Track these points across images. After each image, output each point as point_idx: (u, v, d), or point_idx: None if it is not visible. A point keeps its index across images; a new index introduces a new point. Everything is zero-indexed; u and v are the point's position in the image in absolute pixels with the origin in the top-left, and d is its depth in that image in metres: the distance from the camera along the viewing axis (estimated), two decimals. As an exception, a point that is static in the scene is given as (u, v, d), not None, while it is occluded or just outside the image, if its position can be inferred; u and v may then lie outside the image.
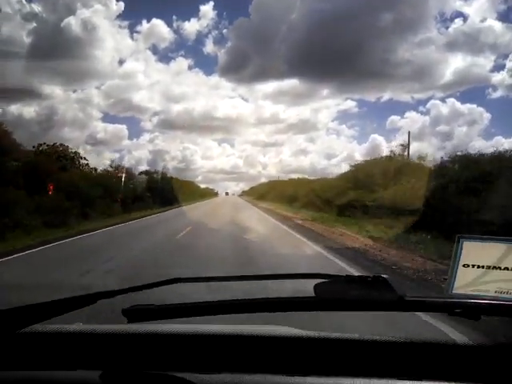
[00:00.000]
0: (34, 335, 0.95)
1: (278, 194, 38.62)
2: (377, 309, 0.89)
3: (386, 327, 2.68)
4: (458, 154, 12.74)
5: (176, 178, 41.04)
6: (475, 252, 0.98)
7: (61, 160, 21.18)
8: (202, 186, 74.43)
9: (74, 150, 23.56)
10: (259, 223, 16.27)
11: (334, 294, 0.83)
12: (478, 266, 0.97)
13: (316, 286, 0.84)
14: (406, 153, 20.68)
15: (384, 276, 0.83)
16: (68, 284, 4.92)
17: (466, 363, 0.87)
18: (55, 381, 0.85)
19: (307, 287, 0.89)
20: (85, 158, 23.88)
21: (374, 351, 0.91)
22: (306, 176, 42.68)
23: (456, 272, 1.00)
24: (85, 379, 0.85)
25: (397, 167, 17.22)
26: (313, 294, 0.83)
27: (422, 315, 3.40)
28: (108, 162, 30.58)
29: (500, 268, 0.96)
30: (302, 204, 25.91)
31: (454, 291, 1.01)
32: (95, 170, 25.89)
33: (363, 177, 18.19)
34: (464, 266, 0.99)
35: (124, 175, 25.95)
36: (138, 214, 20.11)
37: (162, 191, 30.50)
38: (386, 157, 21.15)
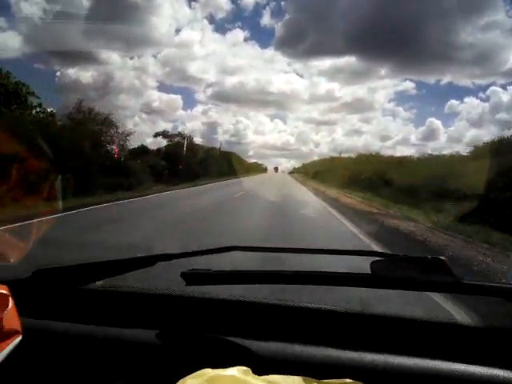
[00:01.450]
0: (95, 292, 1.02)
1: (338, 174, 30.65)
2: (433, 289, 0.88)
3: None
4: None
5: (223, 151, 42.62)
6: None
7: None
8: (252, 160, 74.01)
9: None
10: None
11: (390, 272, 0.83)
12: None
13: (373, 264, 0.84)
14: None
15: (442, 257, 0.82)
16: (129, 244, 5.31)
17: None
18: (113, 336, 0.90)
19: (362, 265, 0.90)
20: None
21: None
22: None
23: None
24: (142, 337, 0.89)
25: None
26: (368, 272, 0.84)
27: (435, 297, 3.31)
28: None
29: None
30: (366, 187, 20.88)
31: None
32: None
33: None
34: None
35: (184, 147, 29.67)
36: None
37: (206, 164, 33.06)
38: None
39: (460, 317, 2.68)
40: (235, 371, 0.62)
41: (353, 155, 36.73)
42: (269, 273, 0.93)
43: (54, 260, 1.09)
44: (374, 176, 21.66)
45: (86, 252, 4.03)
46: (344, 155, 42.39)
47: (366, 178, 22.62)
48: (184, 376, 0.62)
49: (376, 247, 6.56)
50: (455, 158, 18.34)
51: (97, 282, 0.99)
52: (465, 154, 18.37)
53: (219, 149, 42.20)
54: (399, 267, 0.83)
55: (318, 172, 44.52)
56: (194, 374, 0.62)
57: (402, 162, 23.02)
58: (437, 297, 3.34)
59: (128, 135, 21.64)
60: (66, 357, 0.88)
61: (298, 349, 0.85)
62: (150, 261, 0.96)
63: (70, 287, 0.99)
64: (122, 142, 21.05)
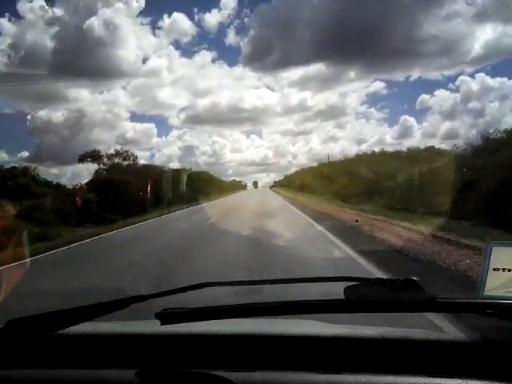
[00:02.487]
0: (71, 337, 1.01)
1: (328, 183, 25.99)
2: (408, 310, 0.91)
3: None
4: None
5: (197, 172, 38.00)
6: (506, 257, 1.00)
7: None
8: (230, 179, 72.69)
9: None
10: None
11: (364, 296, 0.85)
12: (510, 270, 0.99)
13: (346, 289, 0.86)
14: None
15: (414, 278, 0.85)
16: (103, 287, 5.09)
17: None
18: (91, 379, 0.90)
19: (336, 290, 0.91)
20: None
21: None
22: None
23: (487, 275, 1.02)
24: (120, 378, 0.90)
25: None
26: (342, 297, 0.86)
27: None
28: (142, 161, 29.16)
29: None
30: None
31: (485, 293, 1.03)
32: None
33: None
34: (494, 269, 1.01)
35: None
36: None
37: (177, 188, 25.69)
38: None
39: (441, 332, 2.71)
40: None
41: (342, 158, 32.60)
42: (242, 306, 0.93)
43: (25, 309, 1.08)
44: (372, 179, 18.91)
45: (57, 299, 3.88)
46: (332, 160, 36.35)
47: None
48: None
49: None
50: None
51: (72, 328, 0.98)
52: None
53: (187, 169, 34.20)
54: (372, 291, 0.85)
55: (303, 184, 37.86)
56: None
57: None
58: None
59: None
60: None
61: (283, 376, 0.87)
62: (123, 303, 0.95)
63: (46, 335, 0.97)
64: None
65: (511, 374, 0.86)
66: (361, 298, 0.86)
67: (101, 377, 0.90)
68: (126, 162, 27.46)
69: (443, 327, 2.99)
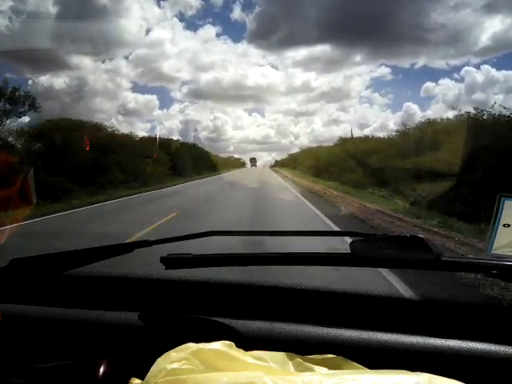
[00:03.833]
0: (74, 278, 1.02)
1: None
2: (413, 267, 0.90)
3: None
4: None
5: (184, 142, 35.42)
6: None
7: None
8: (232, 155, 71.51)
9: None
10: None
11: (370, 251, 0.85)
12: (520, 226, 0.95)
13: (352, 243, 0.85)
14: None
15: (420, 235, 0.83)
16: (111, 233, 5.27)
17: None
18: (94, 319, 0.91)
19: (341, 245, 0.93)
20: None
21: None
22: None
23: (496, 232, 0.97)
24: (123, 319, 0.90)
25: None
26: (348, 251, 0.85)
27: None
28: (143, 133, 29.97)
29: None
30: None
31: (493, 251, 0.99)
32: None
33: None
34: (505, 225, 0.96)
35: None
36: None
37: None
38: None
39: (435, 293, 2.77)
40: (219, 345, 0.63)
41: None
42: (248, 255, 0.94)
43: (31, 250, 1.08)
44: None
45: (62, 241, 3.93)
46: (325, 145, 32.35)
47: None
48: (167, 351, 0.62)
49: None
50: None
51: (75, 269, 0.99)
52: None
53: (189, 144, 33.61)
54: (379, 246, 0.84)
55: (313, 166, 30.57)
56: (177, 348, 0.62)
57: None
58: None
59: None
60: (45, 339, 0.87)
61: (281, 326, 0.86)
62: (128, 248, 0.96)
63: (49, 274, 0.98)
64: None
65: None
66: (366, 253, 0.85)
67: (102, 317, 0.90)
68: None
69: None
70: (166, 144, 28.10)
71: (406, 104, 55.01)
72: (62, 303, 0.95)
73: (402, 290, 3.22)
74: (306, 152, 40.38)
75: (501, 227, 0.96)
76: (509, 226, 0.96)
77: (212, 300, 0.97)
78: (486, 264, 0.88)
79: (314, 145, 45.34)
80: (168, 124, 52.09)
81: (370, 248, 0.85)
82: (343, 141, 28.40)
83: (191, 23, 65.60)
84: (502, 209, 0.95)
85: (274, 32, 63.24)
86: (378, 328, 0.86)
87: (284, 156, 67.80)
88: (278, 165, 68.66)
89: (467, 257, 1.05)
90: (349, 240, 0.92)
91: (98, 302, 0.96)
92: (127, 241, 1.02)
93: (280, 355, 0.65)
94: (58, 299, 0.97)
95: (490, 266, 0.87)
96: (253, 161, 70.63)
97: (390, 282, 3.44)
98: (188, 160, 29.58)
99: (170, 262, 0.92)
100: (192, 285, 1.00)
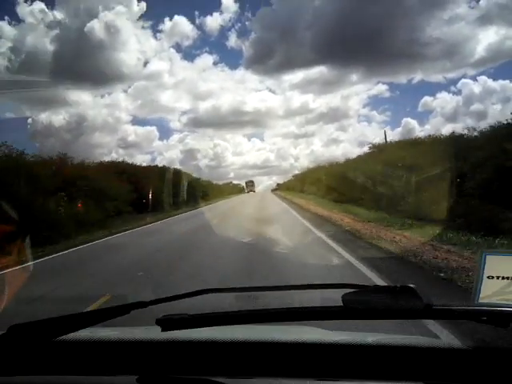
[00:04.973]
0: (72, 343, 1.01)
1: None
2: (405, 317, 0.92)
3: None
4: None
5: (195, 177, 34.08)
6: (499, 265, 1.01)
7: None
8: (232, 181, 70.55)
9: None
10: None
11: (362, 303, 0.86)
12: (503, 278, 1.00)
13: (344, 296, 0.87)
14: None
15: (411, 285, 0.86)
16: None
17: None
18: None
19: (334, 297, 0.93)
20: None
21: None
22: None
23: (481, 283, 1.02)
24: (122, 383, 0.90)
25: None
26: (340, 304, 0.87)
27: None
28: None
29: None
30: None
31: (479, 301, 1.04)
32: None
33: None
34: (489, 277, 1.01)
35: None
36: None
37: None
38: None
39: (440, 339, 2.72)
40: None
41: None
42: (243, 313, 0.94)
43: (27, 315, 1.08)
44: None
45: (58, 305, 3.82)
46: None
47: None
48: None
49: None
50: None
51: (73, 334, 0.98)
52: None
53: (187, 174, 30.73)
54: (370, 298, 0.87)
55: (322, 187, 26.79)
56: None
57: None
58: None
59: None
60: None
61: (278, 383, 0.88)
62: (124, 310, 0.96)
63: (48, 340, 0.97)
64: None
65: (506, 380, 0.88)
66: (359, 305, 0.87)
67: (102, 383, 0.90)
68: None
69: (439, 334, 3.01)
70: (128, 169, 24.20)
71: (404, 120, 55.37)
72: (61, 370, 0.94)
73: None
74: (316, 171, 35.23)
75: (485, 279, 1.02)
76: (492, 277, 1.01)
77: (210, 359, 0.98)
78: (475, 311, 0.92)
79: (314, 166, 40.32)
80: (168, 154, 51.95)
81: (362, 300, 0.87)
82: (375, 148, 22.89)
83: (188, 53, 67.03)
84: (485, 263, 1.01)
85: (270, 57, 64.53)
86: (379, 378, 0.89)
87: (286, 178, 61.67)
88: (280, 188, 59.92)
89: (457, 304, 1.08)
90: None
91: (96, 366, 0.96)
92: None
93: None
94: (58, 366, 0.97)
95: (479, 312, 0.91)
96: (249, 185, 60.82)
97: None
98: (159, 190, 23.89)
99: (167, 323, 0.92)
100: (190, 345, 1.01)
